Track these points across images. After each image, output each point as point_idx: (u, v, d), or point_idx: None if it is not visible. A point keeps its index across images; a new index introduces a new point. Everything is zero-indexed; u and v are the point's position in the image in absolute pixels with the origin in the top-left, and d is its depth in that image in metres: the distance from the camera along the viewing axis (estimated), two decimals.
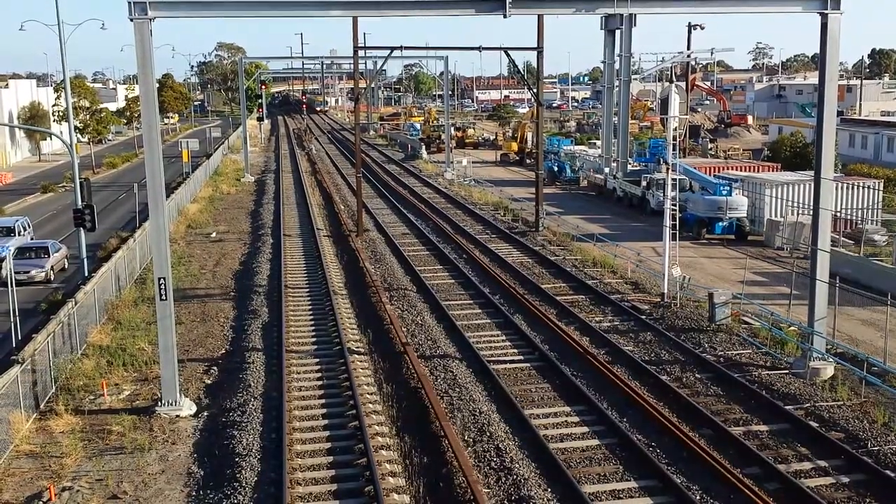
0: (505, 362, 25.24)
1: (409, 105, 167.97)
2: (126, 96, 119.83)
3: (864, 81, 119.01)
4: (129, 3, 20.39)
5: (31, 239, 44.13)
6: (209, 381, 24.45)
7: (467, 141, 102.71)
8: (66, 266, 39.82)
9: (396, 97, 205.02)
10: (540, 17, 45.91)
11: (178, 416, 21.78)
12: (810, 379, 23.38)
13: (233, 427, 20.75)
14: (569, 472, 17.96)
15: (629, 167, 59.31)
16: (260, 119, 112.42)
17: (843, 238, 40.99)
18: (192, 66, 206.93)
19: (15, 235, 41.48)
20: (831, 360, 24.15)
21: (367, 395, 22.50)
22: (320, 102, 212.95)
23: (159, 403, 22.09)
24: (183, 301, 32.33)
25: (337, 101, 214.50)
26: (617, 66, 57.03)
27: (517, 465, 18.28)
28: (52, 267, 37.94)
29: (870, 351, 24.86)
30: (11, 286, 27.83)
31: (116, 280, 32.97)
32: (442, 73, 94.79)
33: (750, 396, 22.16)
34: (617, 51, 56.50)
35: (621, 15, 51.69)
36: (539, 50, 46.68)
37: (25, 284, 34.98)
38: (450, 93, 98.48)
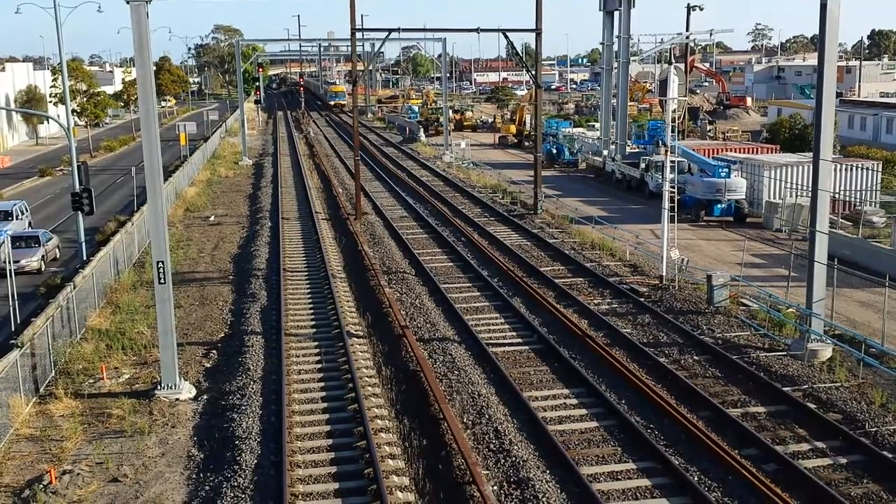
0: (504, 345, 25.28)
1: (407, 87, 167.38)
2: (123, 79, 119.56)
3: (863, 62, 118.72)
4: None
5: (30, 223, 44.05)
6: (208, 365, 24.50)
7: (465, 123, 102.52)
8: (59, 255, 39.02)
9: (394, 80, 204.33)
10: None
11: (177, 399, 21.82)
12: (808, 360, 23.43)
13: (232, 410, 20.80)
14: (567, 453, 18.03)
15: (628, 149, 59.16)
16: (257, 102, 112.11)
17: (841, 220, 41.01)
18: (189, 49, 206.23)
19: (12, 219, 41.37)
20: (829, 341, 24.20)
21: (366, 379, 22.54)
22: (335, 94, 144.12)
23: (159, 387, 22.13)
24: (182, 285, 32.34)
25: (334, 83, 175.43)
26: (615, 47, 56.79)
27: (516, 447, 18.34)
28: (43, 256, 36.92)
29: (868, 332, 24.91)
30: (10, 268, 27.86)
31: (115, 264, 32.95)
32: (440, 56, 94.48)
33: (748, 378, 22.22)
34: (615, 32, 56.23)
35: None
36: (537, 32, 46.51)
37: (16, 274, 34.52)
38: (448, 75, 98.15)
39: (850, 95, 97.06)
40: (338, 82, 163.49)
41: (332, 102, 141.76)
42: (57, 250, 39.02)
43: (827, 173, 24.31)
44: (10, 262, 28.51)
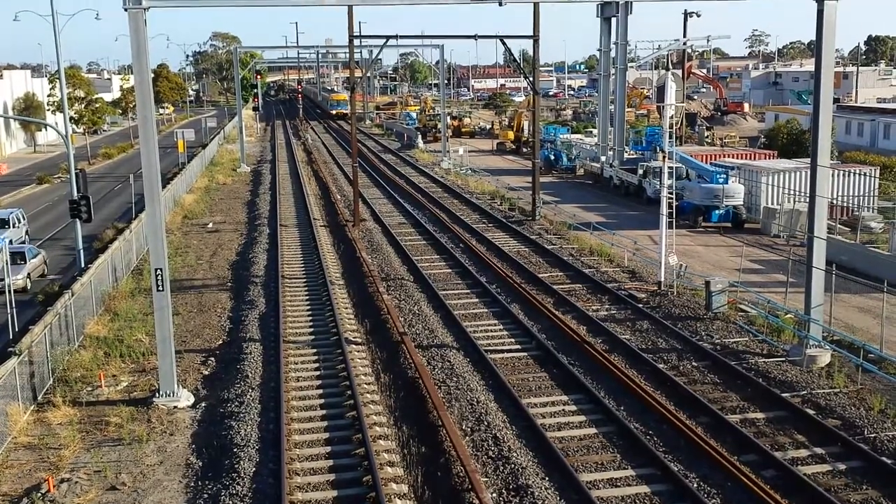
0: (502, 351, 25.26)
1: (405, 94, 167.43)
2: (121, 87, 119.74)
3: (860, 68, 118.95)
4: None
5: (27, 231, 43.95)
6: (207, 372, 24.47)
7: (464, 130, 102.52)
8: (46, 271, 37.01)
9: (392, 86, 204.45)
10: (536, 6, 45.76)
11: (175, 407, 21.79)
12: (807, 366, 23.43)
13: (231, 418, 20.77)
14: (566, 460, 18.01)
15: (625, 155, 59.25)
16: (256, 109, 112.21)
17: (839, 225, 41.04)
18: (188, 56, 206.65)
19: (9, 227, 41.24)
20: (828, 347, 24.19)
21: (365, 385, 22.52)
22: (337, 102, 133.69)
23: (157, 394, 22.10)
24: (180, 292, 32.31)
25: (336, 91, 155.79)
26: (613, 54, 56.91)
27: (515, 454, 18.32)
28: (28, 274, 34.49)
29: (866, 338, 24.89)
30: (8, 277, 27.84)
31: (113, 271, 32.92)
32: (438, 62, 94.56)
33: (747, 384, 22.21)
34: (613, 39, 56.37)
35: (617, 2, 51.59)
36: (535, 38, 46.58)
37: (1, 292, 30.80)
38: (446, 82, 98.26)
39: (847, 101, 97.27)
40: (336, 89, 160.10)
41: (334, 111, 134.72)
42: (44, 266, 37.15)
43: (824, 179, 24.32)
44: (7, 269, 28.49)
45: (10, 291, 26.87)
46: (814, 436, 19.21)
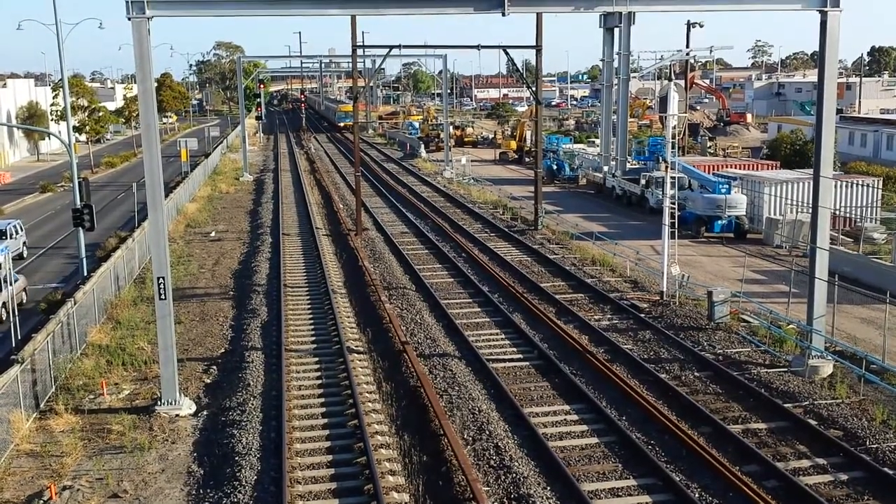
0: (504, 361, 25.26)
1: (407, 104, 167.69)
2: (124, 96, 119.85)
3: (863, 79, 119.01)
4: (127, 1, 20.35)
5: (24, 242, 43.75)
6: (209, 381, 24.47)
7: (466, 139, 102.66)
8: (25, 300, 33.72)
9: (395, 96, 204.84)
10: (539, 16, 45.97)
11: (177, 415, 21.80)
12: (809, 377, 23.40)
13: (232, 426, 20.77)
14: (568, 470, 17.99)
15: (628, 165, 59.32)
16: (259, 118, 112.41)
17: (842, 236, 41.03)
18: (191, 66, 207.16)
19: (7, 238, 41.08)
20: (830, 358, 24.17)
21: (367, 394, 22.52)
22: (345, 114, 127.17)
23: (159, 402, 22.11)
24: (182, 300, 32.35)
25: (343, 102, 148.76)
26: (616, 64, 57.01)
27: (516, 464, 18.30)
28: (4, 304, 29.91)
29: (869, 349, 24.89)
30: (10, 285, 27.92)
31: (115, 279, 32.97)
32: (441, 72, 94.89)
33: (749, 394, 22.19)
34: (616, 49, 56.47)
35: (620, 13, 51.73)
36: (538, 48, 46.70)
37: None
38: (449, 91, 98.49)
39: (850, 112, 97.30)
40: (341, 99, 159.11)
41: (342, 123, 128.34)
42: (24, 294, 33.99)
43: (827, 190, 24.35)
44: (10, 279, 28.54)
45: (12, 300, 26.92)
46: (816, 446, 19.19)
